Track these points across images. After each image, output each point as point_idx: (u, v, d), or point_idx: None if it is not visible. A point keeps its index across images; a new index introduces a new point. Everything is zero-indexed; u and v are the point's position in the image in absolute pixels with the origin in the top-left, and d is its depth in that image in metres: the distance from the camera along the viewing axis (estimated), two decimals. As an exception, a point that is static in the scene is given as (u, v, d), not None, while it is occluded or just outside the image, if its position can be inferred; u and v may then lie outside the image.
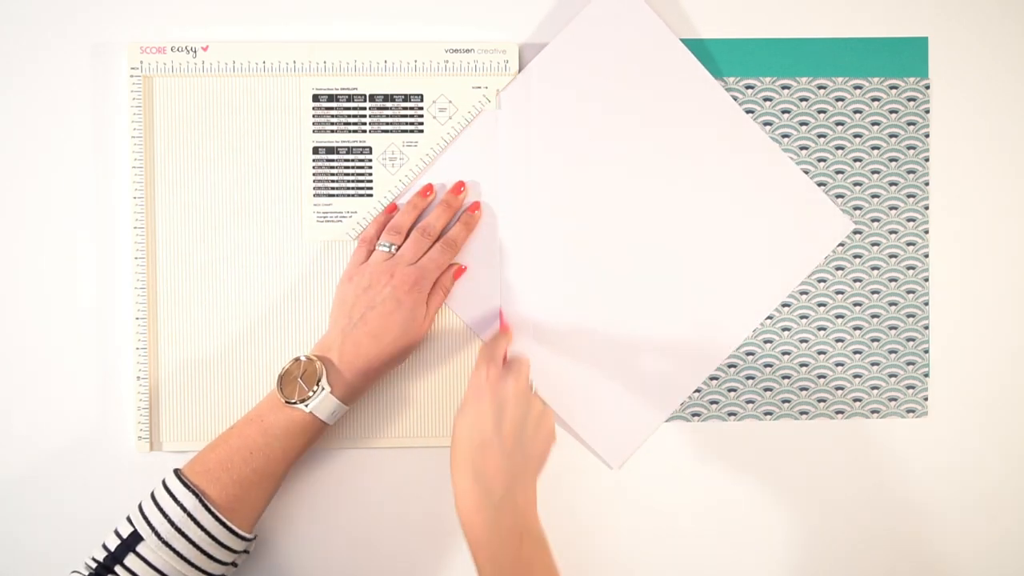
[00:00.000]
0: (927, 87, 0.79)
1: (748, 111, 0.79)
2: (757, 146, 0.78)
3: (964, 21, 0.80)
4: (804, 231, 0.78)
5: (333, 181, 0.77)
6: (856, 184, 0.79)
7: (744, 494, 0.80)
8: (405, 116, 0.77)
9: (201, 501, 0.64)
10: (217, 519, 0.64)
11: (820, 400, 0.80)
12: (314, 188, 0.77)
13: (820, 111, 0.79)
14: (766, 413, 0.80)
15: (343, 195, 0.77)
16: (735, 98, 0.79)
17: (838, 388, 0.80)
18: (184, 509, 0.64)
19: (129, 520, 0.64)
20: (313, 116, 0.77)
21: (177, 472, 0.66)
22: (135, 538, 0.63)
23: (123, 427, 0.77)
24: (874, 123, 0.79)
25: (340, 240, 0.77)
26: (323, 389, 0.68)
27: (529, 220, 0.77)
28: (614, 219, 0.77)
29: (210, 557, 0.65)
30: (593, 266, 0.77)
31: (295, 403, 0.67)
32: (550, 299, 0.77)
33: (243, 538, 0.67)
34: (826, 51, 0.79)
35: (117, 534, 0.64)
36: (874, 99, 0.79)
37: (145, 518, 0.64)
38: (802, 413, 0.80)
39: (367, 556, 0.78)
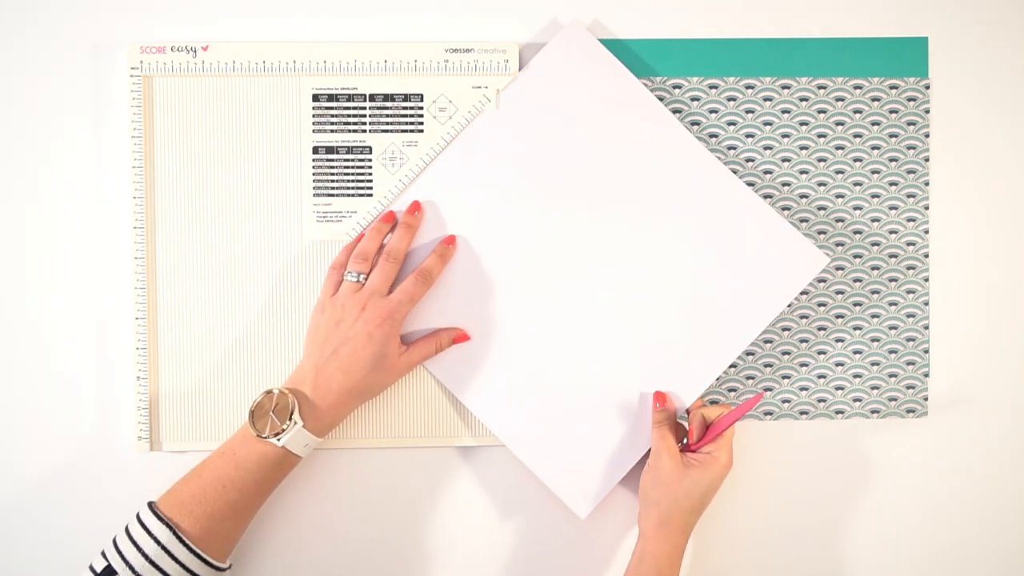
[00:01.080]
0: (927, 87, 0.79)
1: (748, 111, 0.79)
2: (722, 182, 0.76)
3: (964, 21, 0.80)
4: (776, 267, 0.76)
5: (333, 181, 0.77)
6: (856, 184, 0.79)
7: (744, 494, 0.79)
8: (405, 116, 0.77)
9: (175, 533, 0.64)
10: (191, 551, 0.64)
11: (820, 400, 0.80)
12: (314, 188, 0.77)
13: (820, 111, 0.79)
14: (766, 413, 0.80)
15: (343, 195, 0.77)
16: (734, 99, 0.79)
17: (838, 388, 0.80)
18: (158, 542, 0.64)
19: (103, 555, 0.64)
20: (313, 116, 0.77)
21: (151, 505, 0.66)
22: (109, 572, 0.63)
23: (123, 427, 0.77)
24: (874, 123, 0.79)
25: (340, 240, 0.77)
26: (295, 423, 0.67)
27: (491, 257, 0.76)
28: (577, 261, 0.76)
29: None
30: (556, 307, 0.76)
31: (267, 437, 0.67)
32: (514, 344, 0.76)
33: (218, 568, 0.67)
34: (826, 51, 0.79)
35: (92, 570, 0.64)
36: (874, 99, 0.79)
37: (119, 552, 0.64)
38: (802, 413, 0.80)
39: (349, 554, 0.78)
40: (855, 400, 0.80)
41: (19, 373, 0.77)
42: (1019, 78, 0.80)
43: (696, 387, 0.76)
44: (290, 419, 0.67)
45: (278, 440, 0.67)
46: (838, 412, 0.80)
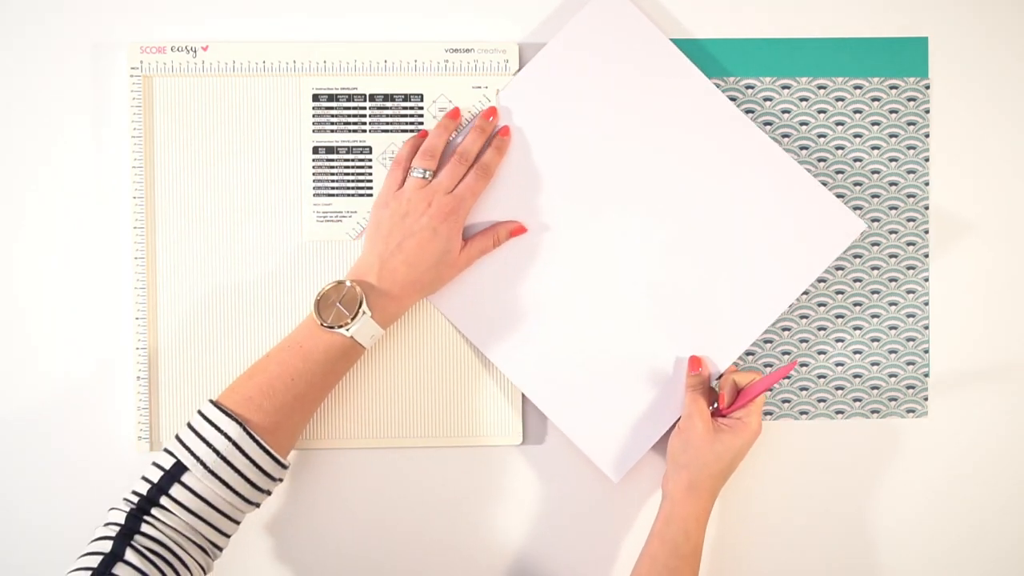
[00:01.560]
0: (927, 87, 0.79)
1: (748, 111, 0.79)
2: (759, 147, 0.76)
3: (964, 21, 0.80)
4: (812, 233, 0.75)
5: (333, 180, 0.77)
6: (856, 184, 0.79)
7: (744, 494, 0.79)
8: (405, 116, 0.77)
9: (245, 429, 0.64)
10: (261, 447, 0.64)
11: (820, 400, 0.80)
12: (314, 188, 0.77)
13: (820, 111, 0.79)
14: (767, 413, 0.80)
15: (343, 195, 0.77)
16: (734, 98, 0.79)
17: (838, 388, 0.80)
18: (228, 438, 0.64)
19: (169, 452, 0.64)
20: (313, 116, 0.77)
21: (213, 402, 0.66)
22: (179, 468, 0.63)
23: (123, 427, 0.77)
24: (874, 123, 0.79)
25: (340, 240, 0.77)
26: (364, 313, 0.68)
27: (530, 226, 0.76)
28: (613, 225, 0.76)
29: (253, 485, 0.65)
30: (592, 273, 0.76)
31: (335, 328, 0.68)
32: (550, 308, 0.76)
33: (283, 465, 0.67)
34: (826, 51, 0.79)
35: (158, 466, 0.63)
36: (874, 99, 0.79)
37: (188, 448, 0.63)
38: (802, 413, 0.80)
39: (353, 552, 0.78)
40: (855, 400, 0.80)
41: (18, 373, 0.77)
42: (1019, 78, 0.80)
43: (731, 353, 0.76)
44: (359, 309, 0.68)
45: (347, 330, 0.68)
46: (838, 412, 0.80)
